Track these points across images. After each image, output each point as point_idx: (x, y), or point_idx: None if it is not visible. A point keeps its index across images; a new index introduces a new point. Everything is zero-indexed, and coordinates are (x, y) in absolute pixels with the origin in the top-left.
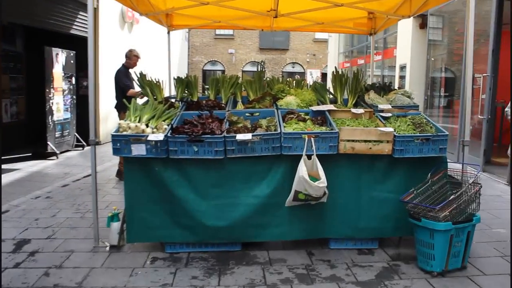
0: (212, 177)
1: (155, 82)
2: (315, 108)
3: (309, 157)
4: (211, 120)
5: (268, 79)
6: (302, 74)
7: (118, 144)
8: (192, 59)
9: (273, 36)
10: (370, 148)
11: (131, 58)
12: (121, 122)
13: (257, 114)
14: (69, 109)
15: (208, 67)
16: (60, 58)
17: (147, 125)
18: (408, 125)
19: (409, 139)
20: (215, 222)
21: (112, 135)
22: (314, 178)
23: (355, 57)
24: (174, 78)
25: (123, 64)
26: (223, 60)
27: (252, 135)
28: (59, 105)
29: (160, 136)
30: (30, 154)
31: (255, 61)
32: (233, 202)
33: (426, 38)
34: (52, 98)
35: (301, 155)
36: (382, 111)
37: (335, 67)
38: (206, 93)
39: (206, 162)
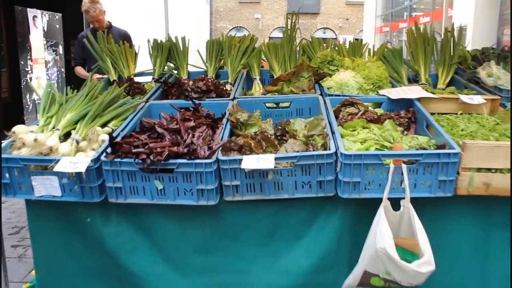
0: (197, 236)
1: (122, 48)
2: (393, 94)
3: (395, 203)
4: (195, 124)
5: (304, 41)
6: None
7: (7, 175)
8: (216, 25)
9: None
10: None
11: (86, 14)
12: (17, 129)
13: (286, 105)
14: (55, 85)
15: (233, 34)
16: (39, 22)
17: (67, 135)
18: None
19: None
20: None
21: None
22: (407, 251)
23: (396, 20)
24: (148, 42)
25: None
26: (249, 26)
27: (277, 159)
28: (40, 80)
29: (81, 163)
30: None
31: (283, 27)
32: (238, 281)
33: None
34: (30, 71)
35: (380, 200)
36: None
37: (415, 22)
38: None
39: (184, 210)
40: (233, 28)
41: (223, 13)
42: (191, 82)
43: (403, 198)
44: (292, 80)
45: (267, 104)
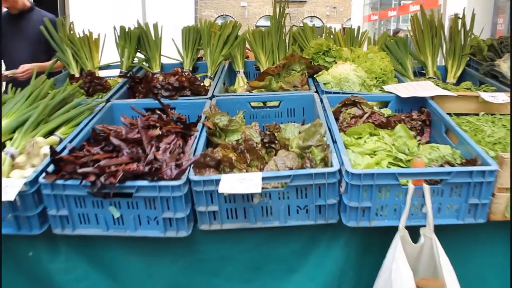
0: (168, 273)
1: (85, 37)
2: (402, 91)
3: (413, 232)
4: (162, 132)
5: (295, 28)
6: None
7: None
8: (201, 13)
9: None
10: None
11: None
12: None
13: (275, 104)
14: None
15: (219, 22)
16: None
17: (1, 146)
18: None
19: None
20: None
21: None
22: None
23: (384, 9)
24: (114, 29)
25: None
26: (235, 14)
27: (265, 179)
28: None
29: (11, 188)
30: None
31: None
32: None
33: None
34: None
35: (394, 229)
36: None
37: (421, 8)
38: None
39: (150, 241)
40: (219, 16)
41: (208, 1)
42: (161, 77)
43: (424, 226)
44: (282, 74)
45: (252, 103)
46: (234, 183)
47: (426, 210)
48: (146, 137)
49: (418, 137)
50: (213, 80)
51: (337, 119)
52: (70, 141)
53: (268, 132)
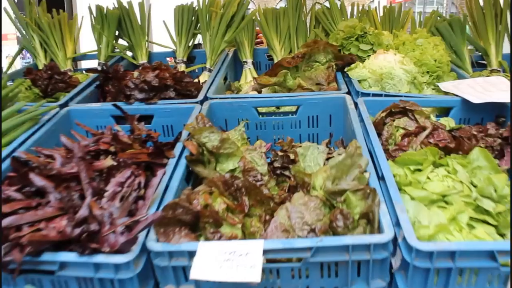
0: None
1: (56, 19)
2: (465, 91)
3: None
4: (116, 163)
5: (318, 6)
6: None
7: None
8: None
9: None
10: None
11: None
12: None
13: (290, 109)
14: None
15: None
16: None
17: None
18: None
19: None
20: None
21: None
22: None
23: None
24: (89, 10)
25: None
26: None
27: (268, 252)
28: None
29: None
30: None
31: None
32: None
33: None
34: None
35: None
36: None
37: None
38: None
39: None
40: None
41: None
42: (136, 73)
43: None
44: (301, 67)
45: (260, 109)
46: (216, 263)
47: None
48: (87, 174)
49: (497, 161)
50: (210, 71)
51: (379, 135)
52: None
53: (280, 153)
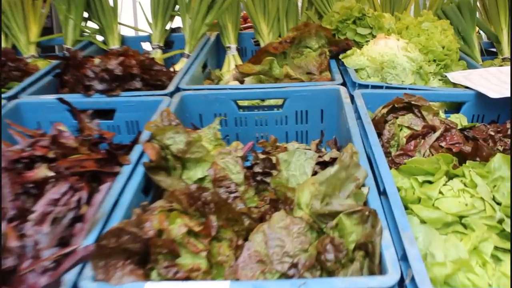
0: None
1: None
2: (484, 86)
3: None
4: (53, 174)
5: None
6: None
7: None
8: None
9: None
10: None
11: None
12: None
13: (275, 103)
14: None
15: None
16: None
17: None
18: None
19: None
20: None
21: None
22: None
23: None
24: None
25: None
26: None
27: None
28: None
29: None
30: None
31: None
32: None
33: None
34: None
35: None
36: None
37: None
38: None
39: None
40: None
41: None
42: (96, 60)
43: None
44: (290, 54)
45: (240, 102)
46: None
47: None
48: (11, 189)
49: None
50: (187, 57)
51: (379, 135)
52: None
53: (262, 155)
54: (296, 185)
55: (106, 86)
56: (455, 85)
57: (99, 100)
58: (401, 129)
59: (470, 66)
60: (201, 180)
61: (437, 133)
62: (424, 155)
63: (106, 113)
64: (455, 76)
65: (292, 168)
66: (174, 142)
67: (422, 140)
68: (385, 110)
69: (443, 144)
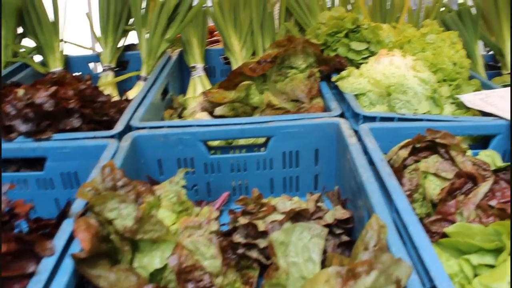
0: None
1: None
2: (494, 105)
3: None
4: None
5: None
6: None
7: None
8: None
9: None
10: None
11: None
12: None
13: (257, 141)
14: None
15: None
16: None
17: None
18: None
19: None
20: None
21: None
22: None
23: None
24: None
25: None
26: None
27: None
28: None
29: None
30: None
31: None
32: None
33: None
34: None
35: None
36: None
37: None
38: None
39: None
40: None
41: None
42: (20, 92)
43: None
44: (271, 76)
45: (210, 143)
46: None
47: None
48: None
49: None
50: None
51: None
52: None
53: (243, 219)
54: (300, 278)
55: (33, 127)
56: (468, 109)
57: (22, 145)
58: (425, 177)
59: (484, 86)
60: (160, 271)
61: (485, 187)
62: (468, 219)
63: (36, 161)
64: (471, 99)
65: (292, 253)
66: (119, 215)
67: (463, 196)
68: (405, 153)
69: (492, 202)
